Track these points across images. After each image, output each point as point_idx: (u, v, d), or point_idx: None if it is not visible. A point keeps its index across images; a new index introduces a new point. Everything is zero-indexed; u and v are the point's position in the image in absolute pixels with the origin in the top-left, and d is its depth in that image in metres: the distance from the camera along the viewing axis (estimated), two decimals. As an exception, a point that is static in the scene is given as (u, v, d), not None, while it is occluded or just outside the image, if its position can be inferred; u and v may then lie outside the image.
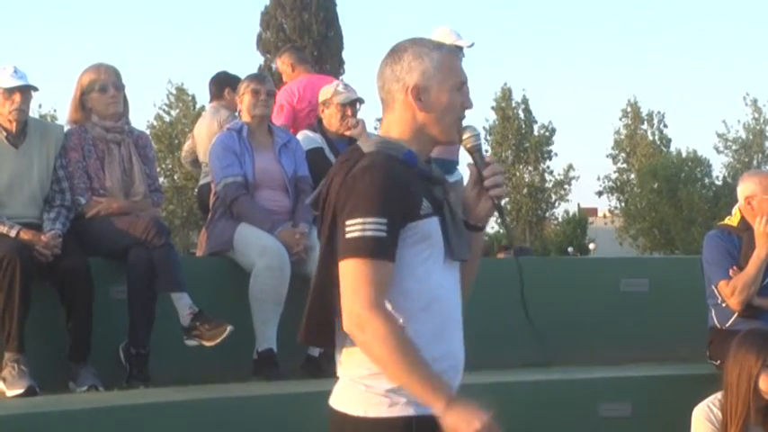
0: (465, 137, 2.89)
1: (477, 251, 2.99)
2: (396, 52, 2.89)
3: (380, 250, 2.67)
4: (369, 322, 2.64)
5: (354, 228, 2.68)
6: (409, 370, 2.64)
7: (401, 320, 2.70)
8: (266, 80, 6.24)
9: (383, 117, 2.93)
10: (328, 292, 2.77)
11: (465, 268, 2.95)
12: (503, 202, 2.96)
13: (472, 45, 7.41)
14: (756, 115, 57.83)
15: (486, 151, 44.30)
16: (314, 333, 2.85)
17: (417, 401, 2.71)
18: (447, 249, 2.81)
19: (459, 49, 7.30)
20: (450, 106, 2.86)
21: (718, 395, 4.75)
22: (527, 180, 57.21)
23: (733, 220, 5.87)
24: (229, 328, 5.25)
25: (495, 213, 2.95)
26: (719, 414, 4.69)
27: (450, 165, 6.81)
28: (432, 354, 2.73)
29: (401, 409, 2.74)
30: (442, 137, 2.88)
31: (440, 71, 2.85)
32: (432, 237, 2.78)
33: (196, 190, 8.98)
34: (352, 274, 2.67)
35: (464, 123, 2.93)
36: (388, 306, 2.70)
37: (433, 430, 2.68)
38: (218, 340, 5.26)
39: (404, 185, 2.73)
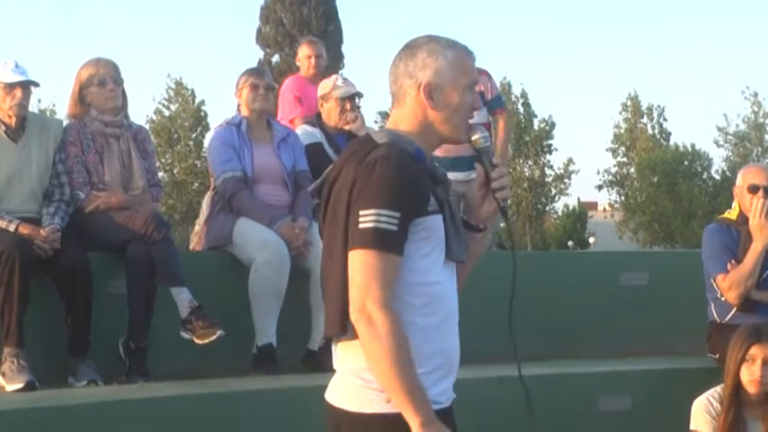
0: (474, 137, 2.90)
1: (476, 253, 2.98)
2: (410, 48, 2.88)
3: (391, 244, 2.67)
4: (378, 319, 2.64)
5: (368, 219, 2.67)
6: (400, 377, 2.63)
7: (403, 317, 2.70)
8: (265, 74, 6.23)
9: (392, 111, 2.93)
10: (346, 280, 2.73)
11: (461, 268, 2.94)
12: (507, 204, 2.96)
13: None
14: (756, 108, 57.87)
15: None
16: (339, 324, 2.76)
17: None
18: (446, 249, 2.81)
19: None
20: (460, 106, 2.86)
21: (718, 388, 4.78)
22: (527, 174, 57.25)
23: (732, 213, 5.87)
24: (219, 332, 5.24)
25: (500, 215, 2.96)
26: (719, 407, 4.71)
27: (469, 161, 6.80)
28: (426, 350, 2.75)
29: None
30: (451, 135, 2.88)
31: (453, 70, 2.85)
32: (435, 233, 2.77)
33: None
34: (363, 266, 2.67)
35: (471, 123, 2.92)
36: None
37: None
38: (206, 340, 5.25)
39: (416, 180, 2.73)
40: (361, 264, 2.67)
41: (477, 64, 3.03)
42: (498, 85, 8.25)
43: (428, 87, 2.84)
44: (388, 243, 2.67)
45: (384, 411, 2.71)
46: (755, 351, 4.64)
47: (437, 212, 2.77)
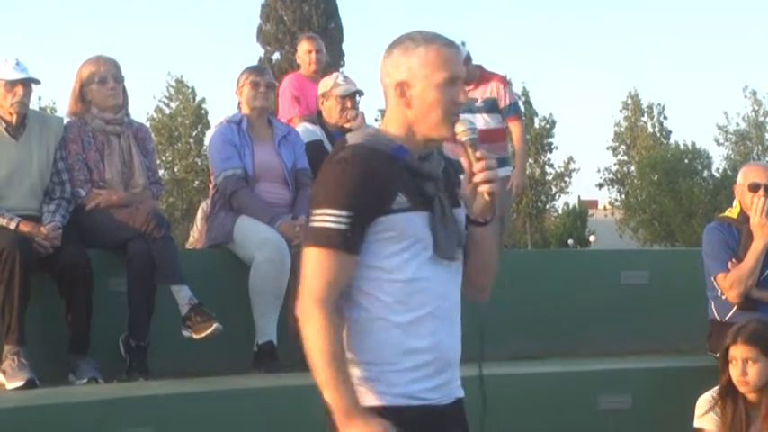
0: (458, 131, 2.84)
1: (485, 246, 2.93)
2: (390, 47, 2.87)
3: (340, 242, 2.71)
4: (312, 314, 2.70)
5: (317, 218, 2.73)
6: (327, 374, 2.68)
7: (374, 313, 2.75)
8: (266, 72, 6.23)
9: (385, 110, 2.92)
10: None
11: (474, 265, 2.92)
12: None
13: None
14: (756, 107, 57.90)
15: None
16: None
17: (390, 391, 2.75)
18: (434, 245, 2.80)
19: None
20: (437, 102, 2.81)
21: (723, 385, 4.83)
22: (527, 172, 57.22)
23: (733, 212, 5.87)
24: (215, 325, 5.24)
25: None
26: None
27: (501, 161, 6.93)
28: (408, 346, 2.76)
29: (373, 398, 2.75)
30: (431, 133, 2.84)
31: (425, 67, 2.81)
32: (407, 231, 2.76)
33: None
34: (310, 263, 2.73)
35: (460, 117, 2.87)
36: (361, 296, 2.75)
37: (405, 420, 2.72)
38: (203, 334, 5.25)
39: (375, 180, 2.73)
40: (307, 261, 2.74)
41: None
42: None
43: (399, 86, 2.82)
44: (335, 242, 2.70)
45: (373, 404, 2.74)
46: (734, 352, 4.75)
47: (408, 210, 2.75)
